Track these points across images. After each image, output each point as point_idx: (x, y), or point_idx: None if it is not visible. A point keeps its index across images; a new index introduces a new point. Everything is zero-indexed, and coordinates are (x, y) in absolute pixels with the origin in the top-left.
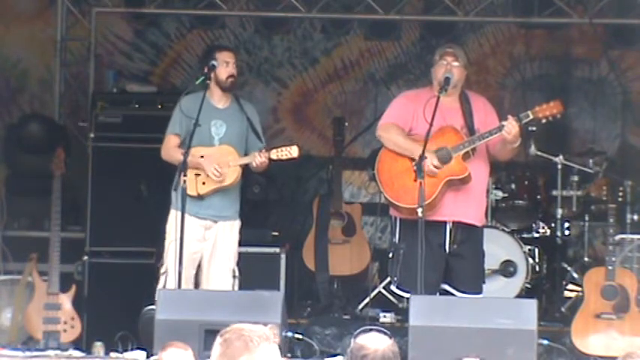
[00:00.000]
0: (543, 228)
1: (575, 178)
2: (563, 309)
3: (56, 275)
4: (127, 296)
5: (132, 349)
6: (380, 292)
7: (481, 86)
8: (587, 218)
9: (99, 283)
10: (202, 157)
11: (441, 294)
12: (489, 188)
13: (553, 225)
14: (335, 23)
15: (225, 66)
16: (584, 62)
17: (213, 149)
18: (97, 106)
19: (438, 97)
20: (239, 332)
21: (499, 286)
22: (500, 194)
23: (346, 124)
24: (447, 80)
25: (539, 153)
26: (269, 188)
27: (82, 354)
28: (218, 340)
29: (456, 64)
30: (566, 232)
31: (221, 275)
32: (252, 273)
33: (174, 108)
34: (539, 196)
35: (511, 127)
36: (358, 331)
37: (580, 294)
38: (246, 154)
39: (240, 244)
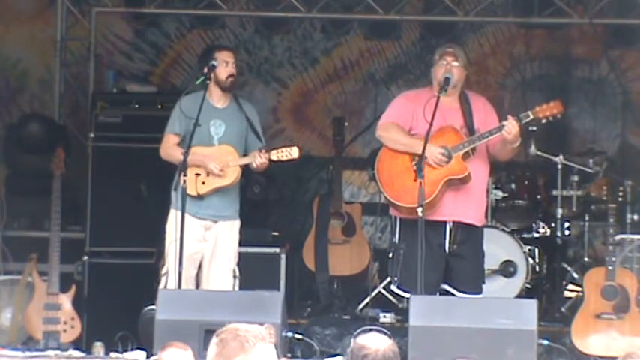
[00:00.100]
0: (543, 228)
1: (575, 178)
2: (563, 309)
3: (56, 275)
4: (127, 296)
5: (132, 349)
6: (380, 292)
7: (481, 86)
8: (587, 218)
9: (99, 283)
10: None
11: (441, 294)
12: (489, 188)
13: (553, 225)
14: (335, 23)
15: (224, 66)
16: (584, 62)
17: (213, 149)
18: (97, 106)
19: (438, 97)
20: (235, 332)
21: (499, 286)
22: (500, 194)
23: (346, 124)
24: (447, 80)
25: (539, 153)
26: (269, 188)
27: (82, 354)
28: (214, 340)
29: (455, 64)
30: (566, 232)
31: (221, 275)
32: (252, 273)
33: (174, 107)
34: (539, 196)
35: (511, 127)
36: (358, 331)
37: (580, 294)
38: (245, 154)
39: (240, 244)
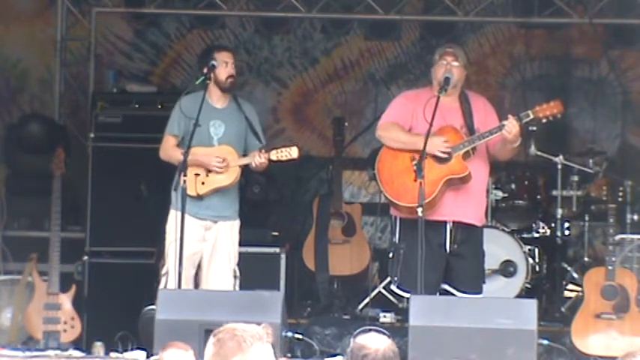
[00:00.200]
0: (543, 228)
1: (575, 178)
2: (563, 309)
3: (56, 275)
4: (127, 296)
5: (132, 349)
6: (380, 292)
7: (481, 86)
8: (587, 218)
9: (99, 283)
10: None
11: (441, 294)
12: (489, 188)
13: (553, 225)
14: (335, 23)
15: (224, 66)
16: (584, 62)
17: (213, 149)
18: (97, 106)
19: (438, 97)
20: (232, 332)
21: (499, 286)
22: (500, 194)
23: (346, 124)
24: (447, 80)
25: (539, 153)
26: (269, 188)
27: (82, 354)
28: (211, 340)
29: (455, 64)
30: (566, 232)
31: (221, 275)
32: (252, 273)
33: (174, 108)
34: (539, 196)
35: (511, 126)
36: (358, 331)
37: (580, 294)
38: (245, 154)
39: (240, 244)
